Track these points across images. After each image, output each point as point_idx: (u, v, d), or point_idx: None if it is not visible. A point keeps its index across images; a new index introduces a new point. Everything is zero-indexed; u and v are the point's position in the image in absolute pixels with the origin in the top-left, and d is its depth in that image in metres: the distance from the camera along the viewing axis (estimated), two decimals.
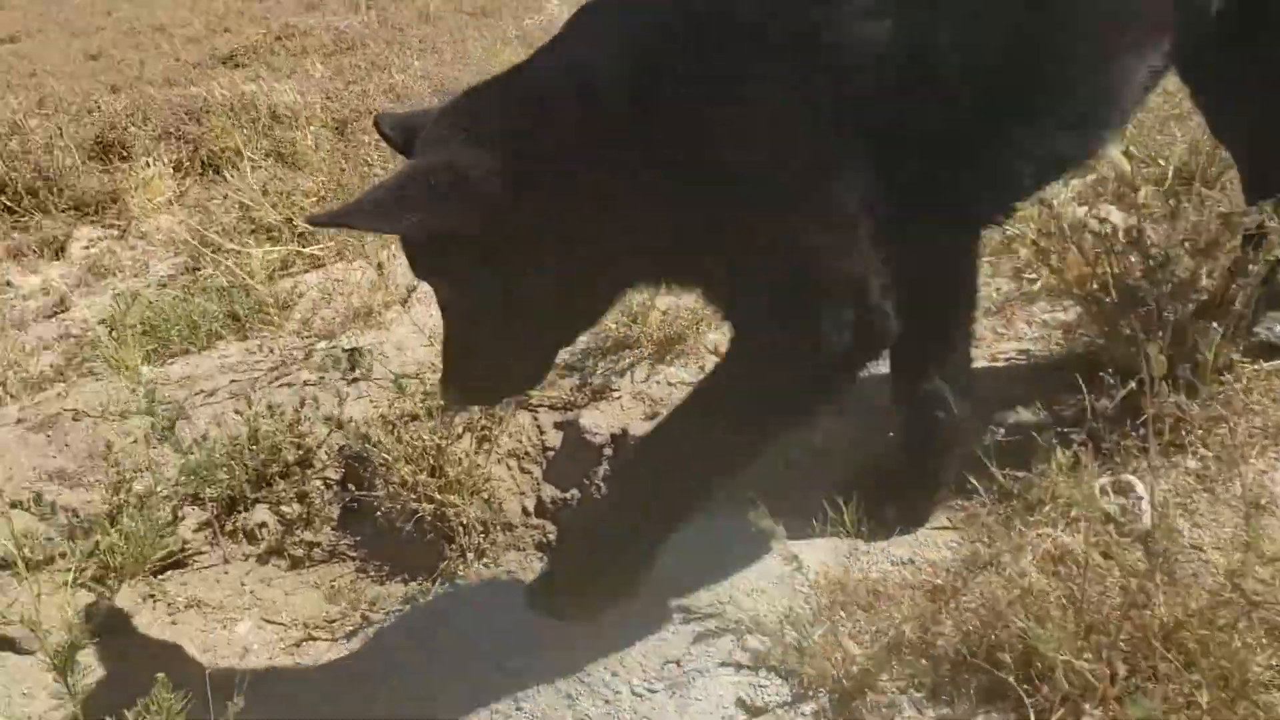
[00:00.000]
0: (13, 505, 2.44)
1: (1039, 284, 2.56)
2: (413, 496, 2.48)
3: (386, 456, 2.49)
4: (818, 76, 1.62)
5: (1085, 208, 2.35)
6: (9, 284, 4.03)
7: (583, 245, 1.71)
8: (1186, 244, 2.07)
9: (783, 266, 1.68)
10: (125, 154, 4.79)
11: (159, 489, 2.52)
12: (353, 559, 2.56)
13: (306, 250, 3.56)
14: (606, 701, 1.79)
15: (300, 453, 2.61)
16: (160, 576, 2.46)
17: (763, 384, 1.76)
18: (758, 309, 1.73)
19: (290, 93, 5.10)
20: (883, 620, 1.80)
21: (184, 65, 7.00)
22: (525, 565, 2.51)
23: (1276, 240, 1.91)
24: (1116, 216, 2.20)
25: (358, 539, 2.58)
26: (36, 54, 7.87)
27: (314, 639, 2.36)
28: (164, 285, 3.65)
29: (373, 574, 2.54)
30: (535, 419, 2.65)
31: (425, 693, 1.94)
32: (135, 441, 2.68)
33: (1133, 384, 1.89)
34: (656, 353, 2.71)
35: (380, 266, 3.23)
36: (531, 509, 2.57)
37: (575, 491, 2.54)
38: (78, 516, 2.52)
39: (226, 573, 2.50)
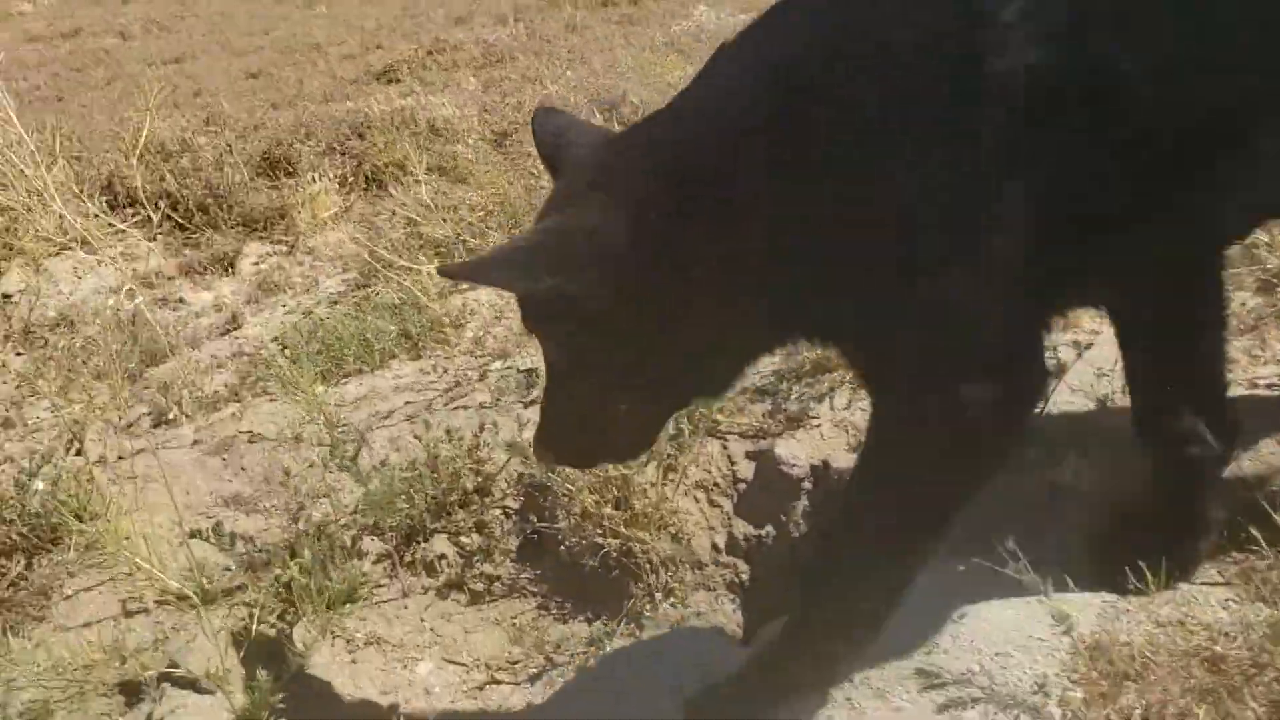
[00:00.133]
0: (191, 535, 2.39)
1: None
2: (597, 530, 2.34)
3: (570, 487, 2.35)
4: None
5: None
6: (182, 300, 4.05)
7: (721, 318, 1.56)
8: None
9: (931, 326, 1.48)
10: (291, 170, 4.80)
11: (339, 519, 2.44)
12: (534, 594, 2.43)
13: None
14: None
15: (479, 480, 2.48)
16: (338, 611, 2.36)
17: (906, 474, 1.56)
18: (901, 376, 1.54)
19: (447, 106, 5.06)
20: (1155, 694, 1.55)
21: (341, 82, 7.10)
22: (715, 606, 2.35)
23: None
24: None
25: (538, 573, 2.44)
26: (200, 74, 8.11)
27: (497, 681, 2.24)
28: (335, 303, 3.60)
29: (555, 611, 2.40)
30: (725, 447, 2.46)
31: None
32: (312, 466, 2.61)
33: None
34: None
35: None
36: (722, 545, 2.39)
37: (770, 528, 2.35)
38: (255, 545, 2.46)
39: (406, 607, 2.38)
